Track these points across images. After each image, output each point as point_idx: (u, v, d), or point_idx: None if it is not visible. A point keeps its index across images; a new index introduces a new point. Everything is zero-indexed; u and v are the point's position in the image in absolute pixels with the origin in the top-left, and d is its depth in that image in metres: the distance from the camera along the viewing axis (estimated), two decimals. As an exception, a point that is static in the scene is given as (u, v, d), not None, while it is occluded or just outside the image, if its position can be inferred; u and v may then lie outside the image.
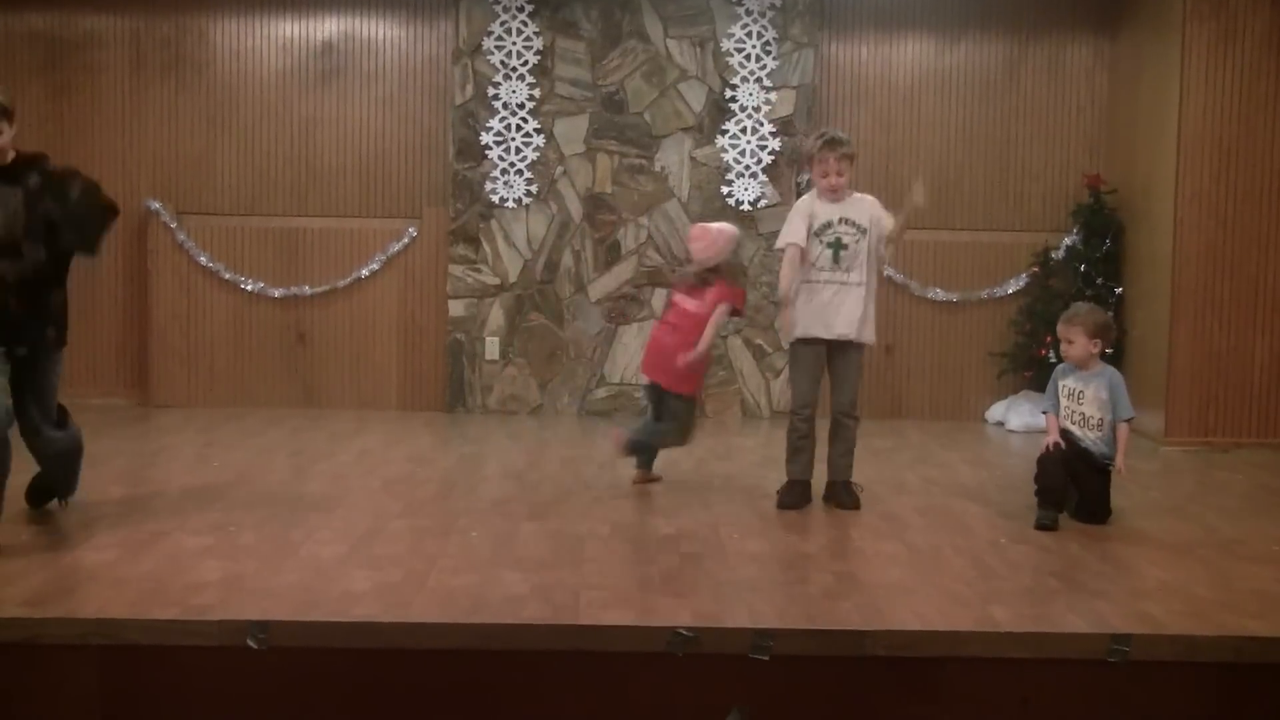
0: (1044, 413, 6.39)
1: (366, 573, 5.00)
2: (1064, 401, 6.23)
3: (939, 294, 9.44)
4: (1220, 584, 5.14)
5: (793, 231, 6.33)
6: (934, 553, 5.57)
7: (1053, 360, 8.95)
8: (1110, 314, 7.17)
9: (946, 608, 4.72)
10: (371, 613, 4.49)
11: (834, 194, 6.33)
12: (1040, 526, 6.01)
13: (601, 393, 9.33)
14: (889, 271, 9.28)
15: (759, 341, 9.26)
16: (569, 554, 5.37)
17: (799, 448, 6.47)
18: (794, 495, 6.42)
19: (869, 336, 6.41)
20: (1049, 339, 8.92)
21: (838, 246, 6.30)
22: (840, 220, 6.31)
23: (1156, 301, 8.56)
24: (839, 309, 6.32)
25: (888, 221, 6.38)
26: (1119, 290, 9.03)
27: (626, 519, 6.07)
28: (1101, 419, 6.12)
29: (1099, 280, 9.02)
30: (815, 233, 6.33)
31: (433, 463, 7.43)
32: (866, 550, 5.59)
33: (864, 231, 6.32)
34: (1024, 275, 9.35)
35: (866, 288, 6.35)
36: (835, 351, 6.41)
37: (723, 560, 5.35)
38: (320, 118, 9.43)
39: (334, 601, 4.64)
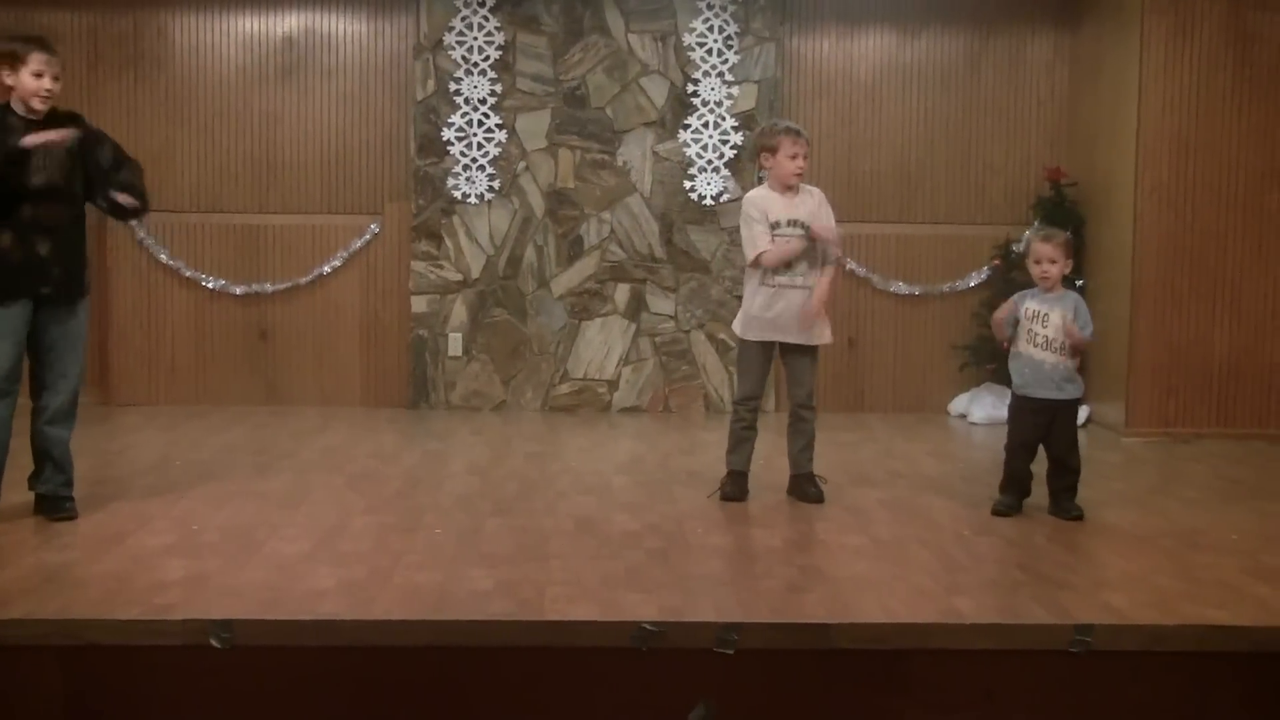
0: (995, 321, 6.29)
1: (331, 570, 4.98)
2: (1025, 324, 6.10)
3: (901, 287, 9.46)
4: (1183, 574, 5.17)
5: (758, 239, 6.23)
6: (899, 545, 5.58)
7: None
8: None
9: (911, 600, 4.74)
10: (336, 610, 4.47)
11: (797, 179, 6.26)
12: (996, 512, 6.06)
13: (565, 388, 9.32)
14: (850, 265, 9.30)
15: (721, 336, 9.27)
16: (534, 550, 5.37)
17: (742, 438, 6.48)
18: (736, 486, 6.43)
19: (825, 338, 6.38)
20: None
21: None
22: (789, 222, 6.24)
23: (1117, 294, 8.60)
24: (793, 317, 6.27)
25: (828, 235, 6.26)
26: (1080, 283, 9.06)
27: (591, 514, 6.07)
28: (1064, 343, 6.05)
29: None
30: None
31: (397, 459, 7.41)
32: (831, 543, 5.60)
33: (806, 229, 6.25)
34: (986, 268, 9.38)
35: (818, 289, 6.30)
36: (789, 349, 6.39)
37: (687, 555, 5.35)
38: (281, 113, 9.38)
39: (298, 599, 4.62)
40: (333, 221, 9.40)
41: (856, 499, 6.48)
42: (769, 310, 6.30)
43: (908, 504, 6.41)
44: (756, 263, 6.26)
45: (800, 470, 6.49)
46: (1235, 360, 8.46)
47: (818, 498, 6.40)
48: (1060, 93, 9.48)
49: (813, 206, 6.30)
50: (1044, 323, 6.08)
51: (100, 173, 5.76)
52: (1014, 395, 6.22)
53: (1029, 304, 6.13)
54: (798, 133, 6.27)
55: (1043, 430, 6.10)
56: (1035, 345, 6.09)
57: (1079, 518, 6.04)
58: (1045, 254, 6.06)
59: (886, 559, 5.35)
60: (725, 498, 6.40)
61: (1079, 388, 6.15)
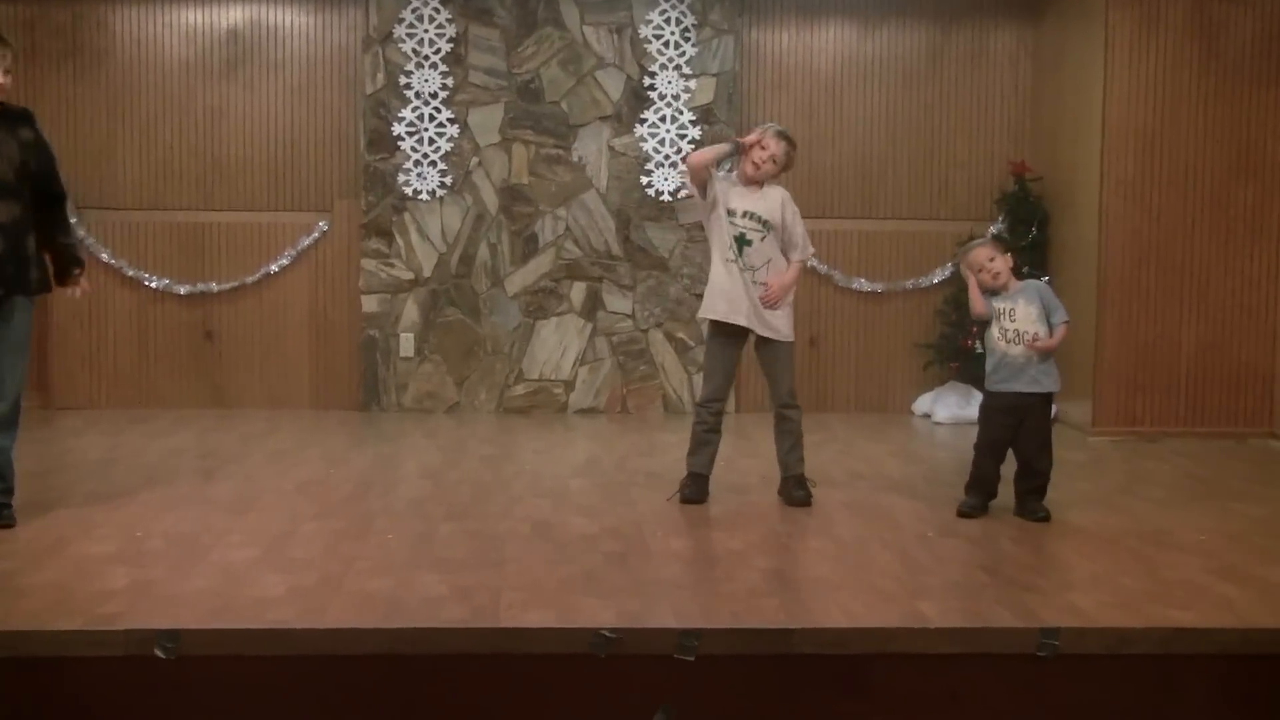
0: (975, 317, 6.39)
1: (280, 577, 4.97)
2: (995, 326, 6.17)
3: (863, 284, 9.50)
4: (1148, 575, 5.22)
5: (705, 156, 6.36)
6: (861, 547, 5.61)
7: (979, 350, 9.03)
8: None
9: (874, 603, 4.76)
10: (285, 618, 4.46)
11: (753, 171, 6.33)
12: (961, 513, 6.11)
13: (520, 389, 9.32)
14: (812, 262, 9.31)
15: (680, 335, 9.29)
16: (488, 555, 5.37)
17: (704, 440, 6.48)
18: (696, 489, 6.45)
19: (785, 334, 6.41)
20: (974, 330, 9.00)
21: (741, 241, 6.32)
22: (744, 214, 6.32)
23: (1083, 290, 8.66)
24: (753, 305, 6.32)
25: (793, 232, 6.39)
26: (1046, 279, 9.12)
27: (547, 518, 6.07)
28: (1036, 333, 6.09)
29: (1025, 269, 9.10)
30: (727, 212, 6.35)
31: (347, 463, 7.40)
32: (793, 546, 5.62)
33: (769, 228, 6.34)
34: (949, 265, 9.42)
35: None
36: (761, 346, 6.42)
37: (646, 559, 5.37)
38: (226, 108, 9.34)
39: (246, 607, 4.61)
40: (280, 219, 9.36)
41: (819, 501, 6.49)
42: (729, 291, 6.33)
43: (870, 505, 6.44)
44: (685, 162, 6.45)
45: (789, 472, 6.49)
46: (1202, 358, 8.53)
47: (804, 501, 6.41)
48: (1024, 86, 9.53)
49: (777, 204, 6.36)
50: (1011, 316, 6.14)
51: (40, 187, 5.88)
52: (985, 393, 6.26)
53: (995, 302, 6.20)
54: (781, 133, 6.38)
55: (1012, 430, 6.14)
56: (1006, 340, 6.14)
57: (1045, 519, 6.08)
58: (981, 258, 6.19)
59: (849, 561, 5.38)
60: (685, 500, 6.42)
61: (1055, 380, 6.19)
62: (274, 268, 9.32)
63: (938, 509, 6.31)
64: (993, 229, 9.24)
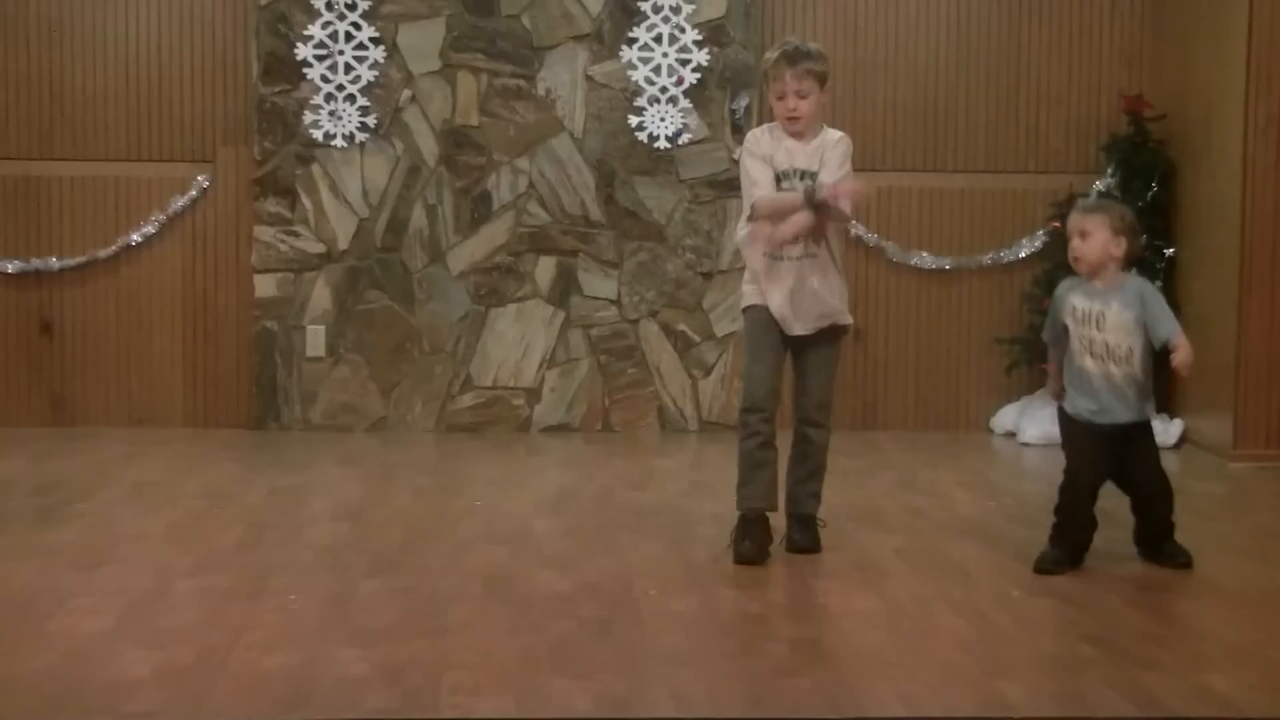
0: (1044, 339, 6.37)
1: (144, 653, 4.96)
2: (1075, 329, 6.09)
3: (926, 259, 9.51)
4: (1309, 646, 5.23)
5: (759, 181, 6.26)
6: (923, 610, 5.61)
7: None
8: None
9: (941, 685, 4.76)
10: (151, 708, 4.46)
11: (794, 126, 6.30)
12: (1041, 569, 6.06)
13: (468, 400, 9.32)
14: (857, 230, 9.32)
15: (682, 327, 9.29)
16: (426, 621, 5.37)
17: (756, 461, 6.32)
18: (754, 542, 6.25)
19: (846, 318, 6.46)
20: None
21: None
22: (796, 172, 6.31)
23: (1221, 267, 8.67)
24: (805, 295, 6.32)
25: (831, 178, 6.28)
26: (1169, 252, 9.15)
27: (505, 572, 6.07)
28: (1131, 349, 6.00)
29: (1143, 238, 9.11)
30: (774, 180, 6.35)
31: (235, 499, 7.39)
32: (832, 608, 5.62)
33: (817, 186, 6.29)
34: (1041, 233, 9.44)
35: (826, 258, 6.35)
36: (799, 343, 6.43)
37: (637, 626, 5.37)
38: (71, 23, 9.32)
39: (98, 693, 4.59)
40: (143, 172, 9.35)
41: (866, 548, 6.50)
42: (774, 281, 6.32)
43: (935, 554, 6.44)
44: (752, 215, 6.31)
45: (797, 509, 6.48)
46: (1381, 356, 8.56)
47: (806, 546, 6.41)
48: (1141, -7, 9.56)
49: (823, 154, 6.30)
50: (1099, 324, 6.05)
51: None
52: (1067, 418, 6.23)
53: (1073, 300, 6.11)
54: (795, 57, 6.27)
55: (1113, 461, 6.12)
56: (1093, 355, 6.07)
57: (1187, 565, 6.10)
58: (1076, 225, 6.09)
59: (907, 629, 5.38)
60: (740, 559, 6.22)
61: (1153, 406, 6.20)
62: (136, 237, 9.31)
63: (1025, 558, 6.29)
64: (1099, 184, 9.25)
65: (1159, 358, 6.05)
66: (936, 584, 5.97)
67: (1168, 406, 9.13)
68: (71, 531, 6.69)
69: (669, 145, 9.23)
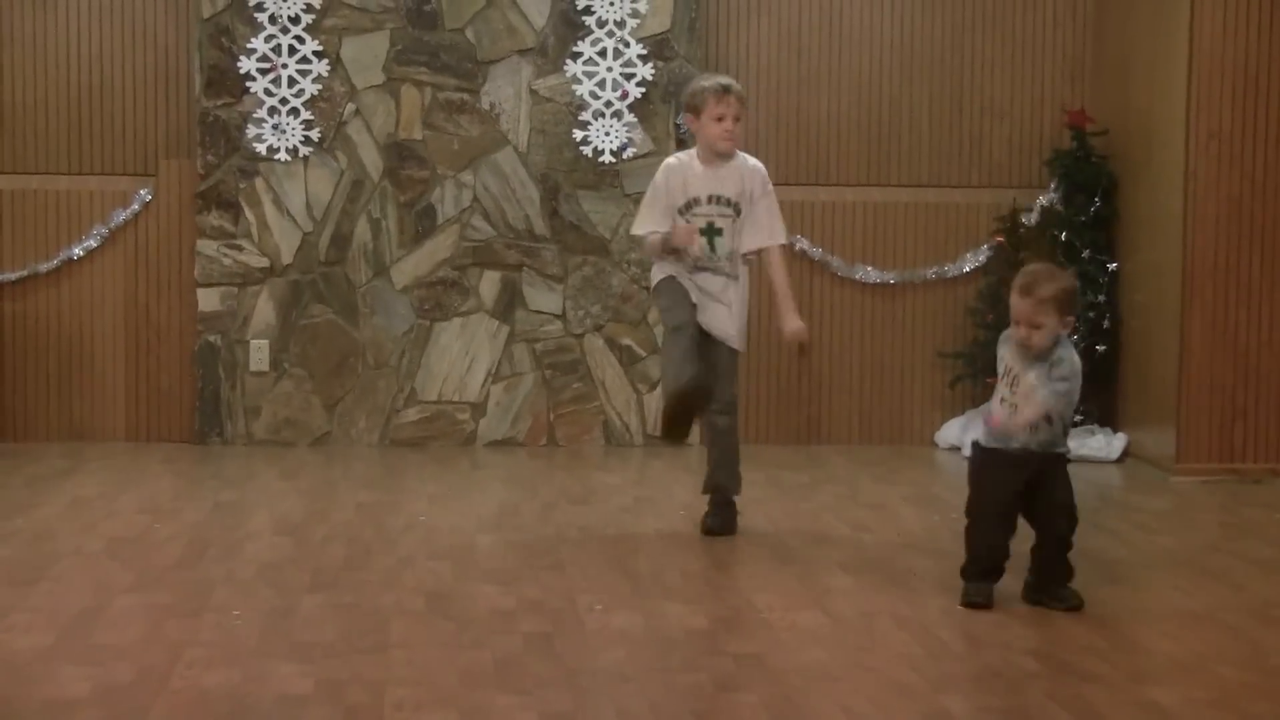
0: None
1: (83, 670, 4.94)
2: (1001, 373, 5.98)
3: (870, 273, 9.52)
4: (1252, 662, 5.24)
5: (652, 217, 6.95)
6: (867, 625, 5.62)
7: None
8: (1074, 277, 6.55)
9: (885, 699, 4.77)
10: (90, 725, 4.44)
11: (727, 146, 6.87)
12: (968, 604, 5.90)
13: (412, 415, 9.30)
14: (802, 245, 9.34)
15: (626, 342, 9.29)
16: (368, 637, 5.36)
17: (686, 350, 6.78)
18: (682, 406, 6.72)
19: (738, 343, 7.04)
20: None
21: (712, 233, 6.91)
22: (710, 198, 6.90)
23: (1163, 280, 8.69)
24: (719, 310, 6.95)
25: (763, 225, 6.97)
26: (1112, 266, 9.17)
27: (447, 588, 6.06)
28: (1034, 424, 5.80)
29: (1085, 252, 9.16)
30: (680, 210, 6.91)
31: (176, 515, 7.36)
32: (776, 623, 5.62)
33: (737, 211, 6.94)
34: (985, 247, 9.45)
35: (740, 281, 7.02)
36: (708, 340, 6.94)
37: (580, 642, 5.37)
38: (11, 34, 9.27)
39: (35, 711, 4.57)
40: (84, 185, 9.31)
41: (810, 562, 6.51)
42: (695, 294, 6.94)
43: (879, 568, 6.46)
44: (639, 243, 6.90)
45: (715, 493, 6.93)
46: (1323, 370, 8.59)
47: (719, 529, 6.80)
48: (1085, 8, 9.58)
49: (741, 181, 6.92)
50: (1014, 384, 5.89)
51: None
52: (975, 445, 6.10)
53: (1004, 351, 5.98)
54: (726, 89, 6.86)
55: (1019, 488, 5.90)
56: (1002, 403, 5.93)
57: (1078, 607, 5.86)
58: (1022, 314, 5.86)
59: (850, 644, 5.39)
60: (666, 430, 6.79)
61: (1064, 444, 5.96)
62: (77, 251, 9.26)
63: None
64: (1042, 199, 9.28)
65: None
66: (881, 599, 5.98)
67: (1110, 420, 9.17)
68: (8, 547, 6.66)
69: (613, 159, 9.22)
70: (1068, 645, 5.38)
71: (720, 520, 6.99)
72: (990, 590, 5.94)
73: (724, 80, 6.97)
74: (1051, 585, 5.93)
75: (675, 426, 6.78)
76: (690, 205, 6.90)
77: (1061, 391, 5.80)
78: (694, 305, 6.90)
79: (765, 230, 6.95)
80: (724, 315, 6.93)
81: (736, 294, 6.97)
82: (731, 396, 7.01)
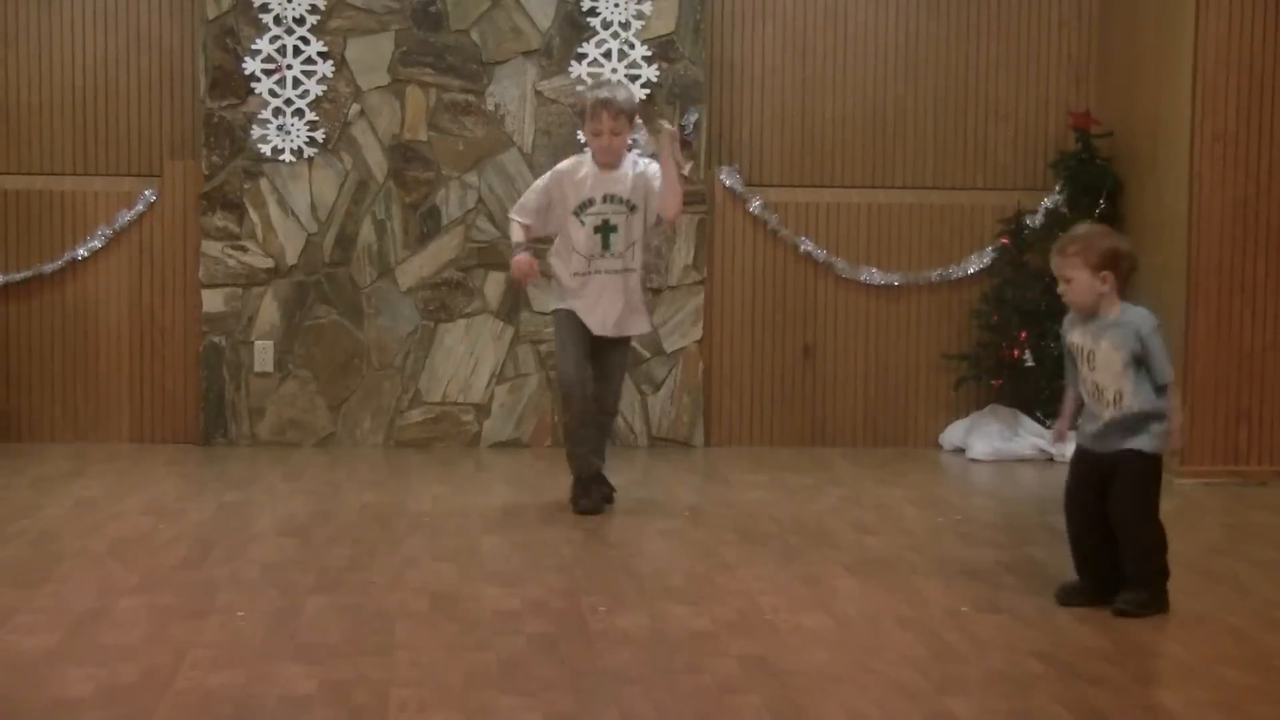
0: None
1: (87, 671, 4.93)
2: (1076, 365, 5.94)
3: (875, 275, 9.51)
4: (1258, 665, 5.23)
5: (526, 211, 7.49)
6: (872, 627, 5.62)
7: (1029, 363, 9.06)
8: (1127, 240, 6.38)
9: (889, 701, 4.76)
10: (94, 726, 4.43)
11: (605, 158, 7.36)
12: (1059, 599, 5.90)
13: (416, 416, 9.29)
14: (807, 246, 9.34)
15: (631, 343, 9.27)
16: (372, 638, 5.35)
17: (585, 425, 7.42)
18: (591, 494, 7.45)
19: (640, 327, 7.69)
20: (1023, 335, 9.04)
21: (606, 230, 7.39)
22: (605, 198, 7.37)
23: (1168, 283, 8.69)
24: (608, 304, 7.43)
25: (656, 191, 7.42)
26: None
27: (451, 589, 6.06)
28: (1119, 391, 5.77)
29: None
30: (575, 212, 7.40)
31: (181, 516, 7.36)
32: (781, 625, 5.61)
33: (632, 208, 7.39)
34: (990, 249, 9.45)
35: (637, 274, 7.52)
36: (602, 342, 7.48)
37: (584, 643, 5.36)
38: (17, 36, 9.28)
39: (40, 712, 4.57)
40: (89, 186, 9.31)
41: (815, 564, 6.51)
42: (582, 294, 7.45)
43: (884, 570, 6.45)
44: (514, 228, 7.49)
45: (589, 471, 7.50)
46: (1328, 373, 8.58)
47: (589, 509, 7.38)
48: (1089, 10, 9.58)
49: (641, 181, 7.39)
50: (1090, 361, 5.87)
51: None
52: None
53: (1072, 335, 5.96)
54: (606, 103, 7.29)
55: (1099, 487, 5.87)
56: (1086, 391, 5.90)
57: (1125, 613, 5.77)
58: (1057, 270, 5.94)
59: (854, 646, 5.38)
60: (583, 511, 7.36)
61: (1151, 438, 5.82)
62: (81, 252, 9.26)
63: (975, 575, 6.32)
64: (1046, 202, 9.28)
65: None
66: (885, 600, 5.97)
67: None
68: (13, 548, 6.66)
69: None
70: (1072, 648, 5.37)
71: (596, 499, 7.47)
72: (1087, 589, 5.90)
73: (604, 93, 7.37)
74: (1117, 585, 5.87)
75: (587, 498, 7.46)
76: (585, 205, 7.36)
77: (1157, 344, 5.79)
78: (588, 343, 7.43)
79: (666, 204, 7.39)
80: (623, 309, 7.42)
81: (635, 284, 7.47)
82: (618, 396, 7.69)
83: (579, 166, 7.46)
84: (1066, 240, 5.94)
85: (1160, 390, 5.78)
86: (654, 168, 7.40)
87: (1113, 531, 5.83)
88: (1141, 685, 4.96)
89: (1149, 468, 5.82)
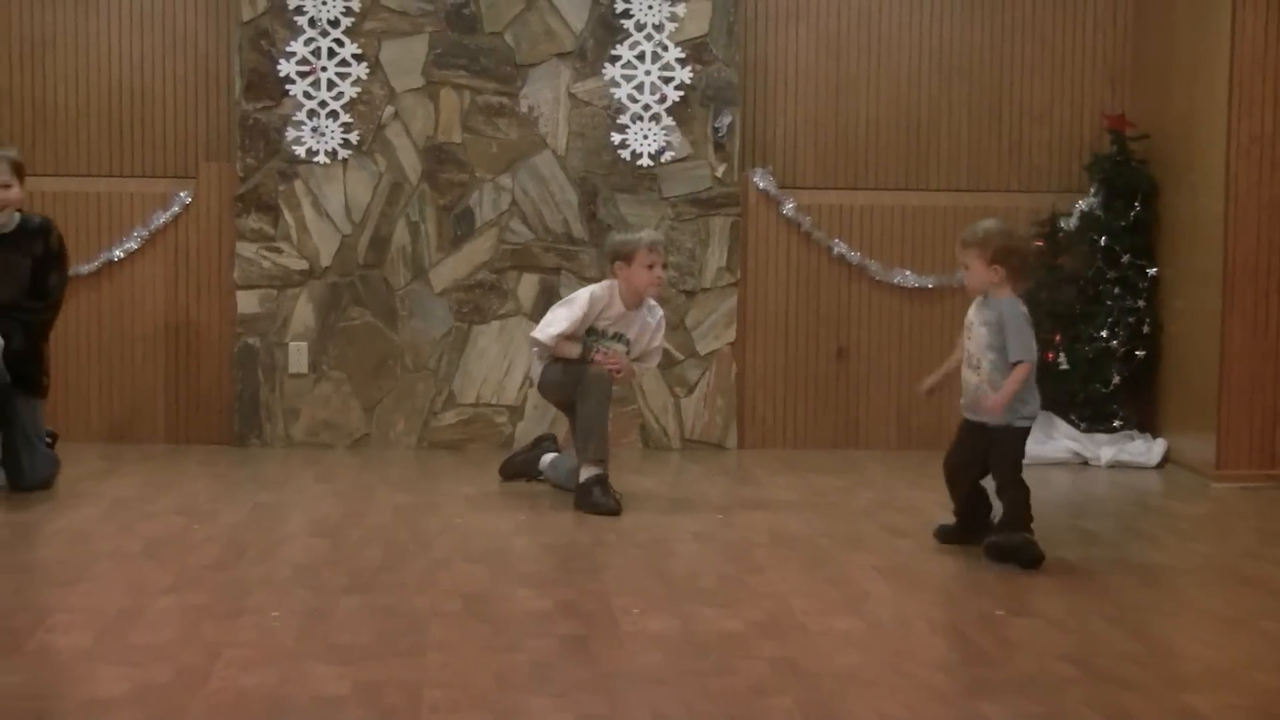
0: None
1: (121, 670, 4.94)
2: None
3: (909, 278, 9.51)
4: (1289, 667, 5.23)
5: (560, 322, 7.73)
6: (902, 629, 5.61)
7: (1063, 366, 9.06)
8: (1027, 237, 7.62)
9: (920, 704, 4.76)
10: (127, 725, 4.45)
11: (656, 291, 7.84)
12: (938, 538, 6.93)
13: (450, 417, 9.31)
14: (840, 248, 9.35)
15: (665, 345, 9.27)
16: (405, 639, 5.36)
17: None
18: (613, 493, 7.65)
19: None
20: (1057, 338, 9.03)
21: (592, 348, 7.77)
22: (613, 334, 7.81)
23: (1204, 285, 8.67)
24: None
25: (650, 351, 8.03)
26: (1152, 271, 9.16)
27: (483, 589, 6.06)
28: (980, 359, 6.63)
29: (1125, 257, 9.15)
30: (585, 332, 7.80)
31: (214, 516, 7.38)
32: (812, 627, 5.61)
33: (627, 345, 7.83)
34: (1024, 252, 9.43)
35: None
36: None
37: (615, 645, 5.36)
38: (53, 39, 9.32)
39: (75, 711, 4.58)
40: (125, 188, 9.35)
41: (846, 567, 6.50)
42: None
43: (916, 574, 6.45)
44: (544, 340, 7.75)
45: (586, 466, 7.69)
46: (1366, 377, 8.55)
47: (600, 507, 7.49)
48: (1125, 13, 9.56)
49: (647, 327, 7.87)
50: (969, 333, 6.73)
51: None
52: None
53: (969, 312, 6.78)
54: (656, 243, 7.78)
55: (981, 453, 6.72)
56: (965, 360, 6.75)
57: (994, 545, 6.56)
58: (959, 256, 6.74)
59: (885, 648, 5.38)
60: (610, 511, 7.48)
61: (1016, 414, 6.61)
62: (117, 253, 9.30)
63: (1007, 578, 6.31)
64: (1081, 204, 9.26)
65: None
66: (916, 603, 5.97)
67: (1150, 426, 9.16)
68: (48, 548, 6.70)
69: (651, 163, 9.23)
70: (1104, 651, 5.37)
71: (601, 501, 7.58)
72: (955, 531, 6.92)
73: (655, 234, 7.94)
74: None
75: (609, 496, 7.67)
76: (592, 331, 7.77)
77: (1017, 326, 6.55)
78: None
79: (651, 358, 8.07)
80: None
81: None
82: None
83: (611, 302, 7.78)
84: (968, 233, 6.72)
85: (1013, 367, 6.51)
86: (660, 320, 7.96)
87: (978, 482, 6.83)
88: (1173, 689, 4.95)
89: (1015, 439, 6.66)
